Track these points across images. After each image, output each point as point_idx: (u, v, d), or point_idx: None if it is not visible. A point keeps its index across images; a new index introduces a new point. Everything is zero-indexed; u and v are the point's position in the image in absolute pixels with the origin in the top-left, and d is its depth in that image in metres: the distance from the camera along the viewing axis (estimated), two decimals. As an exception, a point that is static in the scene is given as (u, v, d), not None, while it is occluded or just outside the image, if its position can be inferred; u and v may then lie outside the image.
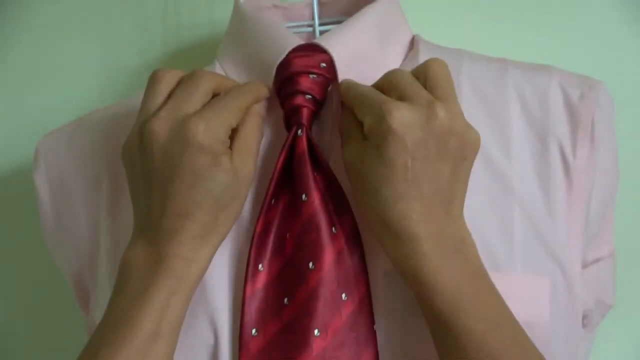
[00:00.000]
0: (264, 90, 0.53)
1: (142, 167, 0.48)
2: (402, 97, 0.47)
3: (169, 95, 0.49)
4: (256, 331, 0.49)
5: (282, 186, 0.51)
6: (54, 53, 0.78)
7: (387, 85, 0.49)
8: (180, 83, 0.50)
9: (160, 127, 0.47)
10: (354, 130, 0.49)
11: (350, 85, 0.51)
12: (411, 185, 0.45)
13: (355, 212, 0.50)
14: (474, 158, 0.48)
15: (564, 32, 0.75)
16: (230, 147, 0.48)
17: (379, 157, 0.46)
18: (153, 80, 0.50)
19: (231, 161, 0.47)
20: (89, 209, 0.58)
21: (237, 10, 0.59)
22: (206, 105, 0.48)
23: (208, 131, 0.46)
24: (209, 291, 0.50)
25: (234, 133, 0.49)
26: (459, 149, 0.46)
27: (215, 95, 0.50)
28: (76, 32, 0.77)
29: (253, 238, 0.50)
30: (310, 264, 0.49)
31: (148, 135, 0.47)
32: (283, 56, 0.53)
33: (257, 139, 0.50)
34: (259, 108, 0.52)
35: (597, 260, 0.58)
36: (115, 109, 0.60)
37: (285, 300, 0.49)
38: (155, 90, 0.49)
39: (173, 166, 0.46)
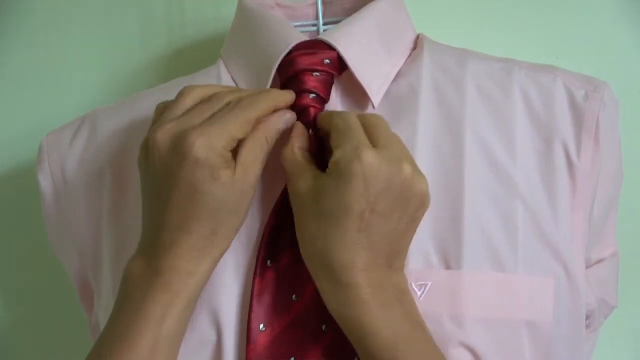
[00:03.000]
0: (284, 98, 0.50)
1: (147, 176, 0.48)
2: (375, 142, 0.46)
3: (186, 111, 0.48)
4: (264, 326, 0.49)
5: None
6: (57, 51, 0.77)
7: (369, 125, 0.48)
8: (200, 102, 0.49)
9: (163, 137, 0.46)
10: (305, 162, 0.48)
11: (335, 113, 0.50)
12: (363, 236, 0.45)
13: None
14: (422, 218, 0.48)
15: (564, 32, 0.75)
16: (235, 159, 0.47)
17: (336, 198, 0.45)
18: (179, 94, 0.50)
19: (233, 174, 0.46)
20: (91, 208, 0.58)
21: (240, 7, 0.59)
22: (211, 117, 0.47)
23: (206, 145, 0.45)
24: (211, 289, 0.50)
25: (240, 144, 0.48)
26: (416, 210, 0.46)
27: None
28: (79, 29, 0.77)
29: (264, 234, 0.50)
30: None
31: (151, 146, 0.47)
32: (287, 50, 0.53)
33: (264, 153, 0.48)
34: (276, 122, 0.50)
35: (600, 261, 0.58)
36: (119, 108, 0.60)
37: (294, 296, 0.49)
38: (177, 104, 0.49)
39: (171, 178, 0.46)
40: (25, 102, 0.78)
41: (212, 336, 0.50)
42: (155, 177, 0.47)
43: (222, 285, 0.50)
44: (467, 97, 0.54)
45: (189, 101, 0.49)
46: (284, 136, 0.51)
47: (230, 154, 0.47)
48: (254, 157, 0.48)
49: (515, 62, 0.57)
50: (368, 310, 0.44)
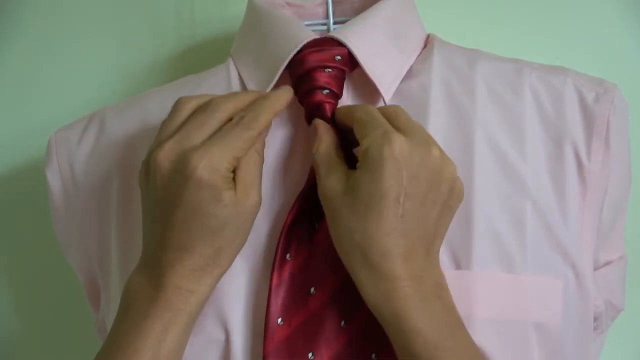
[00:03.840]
0: (282, 101, 0.50)
1: (148, 194, 0.48)
2: (400, 130, 0.46)
3: (182, 123, 0.48)
4: (281, 320, 0.48)
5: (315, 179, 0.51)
6: (66, 50, 0.77)
7: (388, 116, 0.48)
8: (196, 111, 0.48)
9: (165, 158, 0.46)
10: (337, 159, 0.48)
11: (355, 106, 0.50)
12: (400, 222, 0.44)
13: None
14: (456, 209, 0.48)
15: (568, 33, 0.75)
16: (233, 178, 0.47)
17: (371, 186, 0.44)
18: (175, 106, 0.49)
19: (235, 194, 0.46)
20: (100, 207, 0.58)
21: (251, 6, 0.59)
22: (213, 136, 0.46)
23: (209, 167, 0.44)
24: (217, 287, 0.50)
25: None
26: (448, 196, 0.46)
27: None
28: (88, 29, 0.77)
29: (284, 228, 0.50)
30: None
31: (153, 166, 0.46)
32: (297, 49, 0.52)
33: (259, 167, 0.48)
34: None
35: (608, 264, 0.58)
36: (127, 106, 0.60)
37: (312, 289, 0.49)
38: (174, 117, 0.48)
39: (174, 199, 0.45)
40: (34, 100, 0.78)
41: (220, 335, 0.50)
42: (157, 196, 0.46)
43: (228, 283, 0.50)
44: (477, 97, 0.54)
45: (184, 114, 0.48)
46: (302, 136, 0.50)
47: (232, 175, 0.46)
48: (252, 174, 0.47)
49: (525, 63, 0.57)
50: (410, 305, 0.44)
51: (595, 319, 0.55)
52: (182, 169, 0.45)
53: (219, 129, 0.47)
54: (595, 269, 0.55)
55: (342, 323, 0.48)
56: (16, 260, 0.80)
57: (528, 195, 0.52)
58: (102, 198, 0.57)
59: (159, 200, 0.46)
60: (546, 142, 0.53)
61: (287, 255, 0.50)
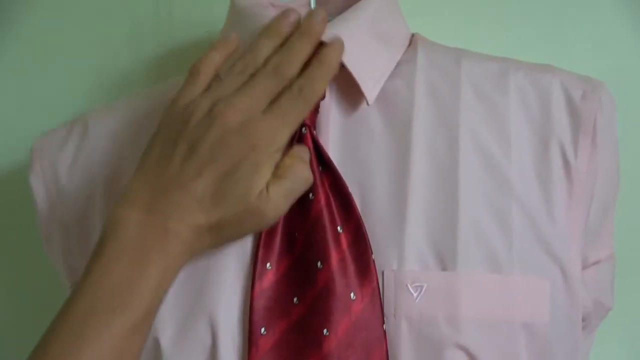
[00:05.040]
0: (339, 58, 0.50)
1: (186, 136, 0.47)
2: None
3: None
4: (265, 330, 0.48)
5: None
6: (45, 54, 0.77)
7: None
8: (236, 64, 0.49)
9: (233, 117, 0.46)
10: None
11: None
12: None
13: (360, 210, 0.50)
14: None
15: (564, 32, 0.75)
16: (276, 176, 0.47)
17: None
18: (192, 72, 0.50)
19: (268, 192, 0.46)
20: (83, 216, 0.57)
21: (234, 7, 0.59)
22: (275, 106, 0.47)
23: (270, 145, 0.46)
24: (209, 291, 0.50)
25: (280, 170, 0.47)
26: None
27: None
28: (68, 32, 0.77)
29: (260, 237, 0.49)
30: (319, 264, 0.48)
31: (214, 116, 0.46)
32: None
33: (303, 188, 0.49)
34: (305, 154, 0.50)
35: (596, 263, 0.58)
36: (111, 111, 0.60)
37: (295, 299, 0.49)
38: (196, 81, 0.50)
39: (220, 155, 0.46)
40: (14, 105, 0.78)
41: (207, 340, 0.49)
42: (202, 145, 0.46)
43: (220, 288, 0.50)
44: (462, 96, 0.54)
45: (204, 78, 0.50)
46: None
47: (280, 155, 0.47)
48: (294, 190, 0.48)
49: (512, 62, 0.56)
50: None
51: (583, 319, 0.55)
52: (246, 135, 0.46)
53: (279, 94, 0.48)
54: (584, 268, 0.55)
55: (325, 331, 0.48)
56: (14, 261, 0.80)
57: (514, 195, 0.51)
58: (86, 205, 0.57)
59: (200, 150, 0.46)
60: (532, 141, 0.53)
61: (268, 265, 0.49)
